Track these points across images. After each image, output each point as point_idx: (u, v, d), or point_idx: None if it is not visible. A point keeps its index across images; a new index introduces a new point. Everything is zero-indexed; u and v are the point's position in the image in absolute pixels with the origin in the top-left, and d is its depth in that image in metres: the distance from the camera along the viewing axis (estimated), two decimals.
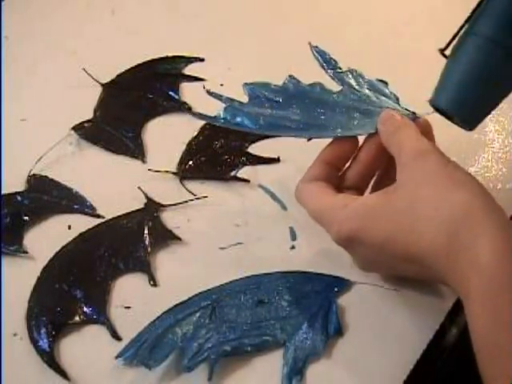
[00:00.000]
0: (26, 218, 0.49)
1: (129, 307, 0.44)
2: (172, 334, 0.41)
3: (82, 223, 0.49)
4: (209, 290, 0.43)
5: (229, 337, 0.41)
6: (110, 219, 0.49)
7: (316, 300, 0.43)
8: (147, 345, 0.40)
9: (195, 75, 0.60)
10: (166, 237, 0.48)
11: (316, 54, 0.49)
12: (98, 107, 0.58)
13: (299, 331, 0.41)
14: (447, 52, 0.39)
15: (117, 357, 0.40)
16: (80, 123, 0.56)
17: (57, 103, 0.59)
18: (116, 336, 0.43)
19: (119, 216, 0.49)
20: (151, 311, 0.42)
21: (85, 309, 0.44)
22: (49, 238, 0.48)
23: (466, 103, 0.38)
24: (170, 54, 0.62)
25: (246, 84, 0.47)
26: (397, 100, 0.45)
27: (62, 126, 0.56)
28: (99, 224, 0.49)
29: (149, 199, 0.50)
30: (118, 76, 0.60)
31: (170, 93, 0.58)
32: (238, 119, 0.45)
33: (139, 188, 0.50)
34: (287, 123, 0.44)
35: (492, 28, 0.37)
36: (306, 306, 0.43)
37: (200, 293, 0.43)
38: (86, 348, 0.42)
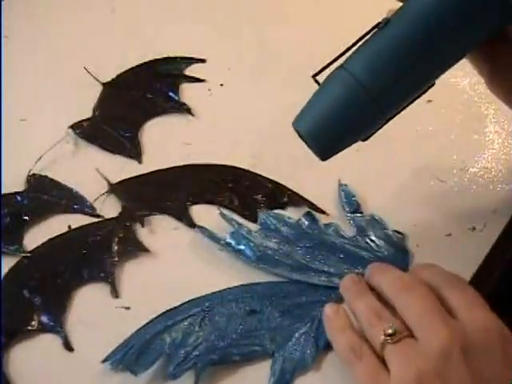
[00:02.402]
0: (26, 217, 0.49)
1: (128, 307, 0.44)
2: (160, 340, 0.41)
3: (81, 223, 0.49)
4: (201, 296, 0.43)
5: (217, 345, 0.41)
6: (82, 226, 0.48)
7: (308, 311, 0.42)
8: (134, 350, 0.40)
9: (195, 75, 0.60)
10: (135, 248, 0.47)
11: (342, 192, 0.49)
12: (97, 106, 0.58)
13: (289, 342, 0.41)
14: (320, 78, 0.38)
15: (103, 361, 0.40)
16: (78, 122, 0.56)
17: (57, 103, 0.59)
18: (68, 347, 0.42)
19: (92, 223, 0.48)
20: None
21: (42, 317, 0.43)
22: (49, 237, 0.48)
23: (320, 135, 0.37)
24: (171, 54, 0.62)
25: (261, 212, 0.48)
26: (407, 256, 0.45)
27: (62, 125, 0.55)
28: (69, 230, 0.48)
29: (123, 206, 0.49)
30: (118, 76, 0.60)
31: (170, 93, 0.58)
32: (241, 246, 0.45)
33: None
34: (287, 261, 0.45)
35: (362, 69, 0.36)
36: (298, 317, 0.42)
37: (192, 299, 0.43)
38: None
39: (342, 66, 0.37)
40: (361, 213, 0.48)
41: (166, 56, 0.62)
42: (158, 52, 0.62)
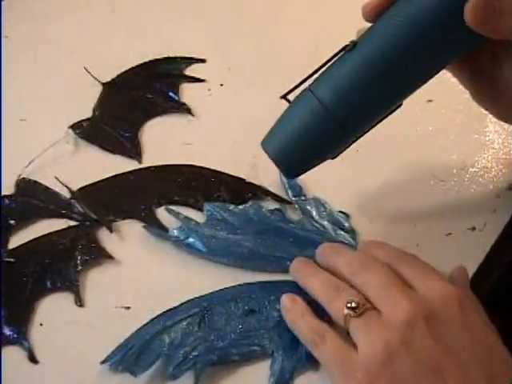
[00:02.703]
0: (12, 222, 0.48)
1: (128, 307, 0.44)
2: (159, 341, 0.41)
3: None
4: (200, 296, 0.43)
5: (216, 345, 0.40)
6: (44, 235, 0.48)
7: None
8: (134, 351, 0.40)
9: (195, 75, 0.60)
10: (98, 255, 0.46)
11: (283, 179, 0.50)
12: (97, 106, 0.58)
13: (288, 342, 0.41)
14: (291, 98, 0.39)
15: (102, 362, 0.40)
16: (78, 122, 0.56)
17: (57, 103, 0.59)
18: (33, 359, 0.41)
19: (53, 232, 0.48)
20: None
21: (4, 329, 0.42)
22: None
23: (286, 156, 0.37)
24: (171, 54, 0.62)
25: (207, 203, 0.48)
26: (354, 235, 0.46)
27: (62, 125, 0.55)
28: (32, 240, 0.47)
29: (84, 214, 0.49)
30: (118, 76, 0.60)
31: (170, 93, 0.58)
32: (190, 240, 0.46)
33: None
34: (238, 249, 0.45)
35: (327, 92, 0.36)
36: None
37: (190, 299, 0.43)
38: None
39: (308, 88, 0.37)
40: (304, 196, 0.48)
41: (165, 56, 0.62)
42: (158, 52, 0.62)
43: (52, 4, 0.69)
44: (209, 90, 0.59)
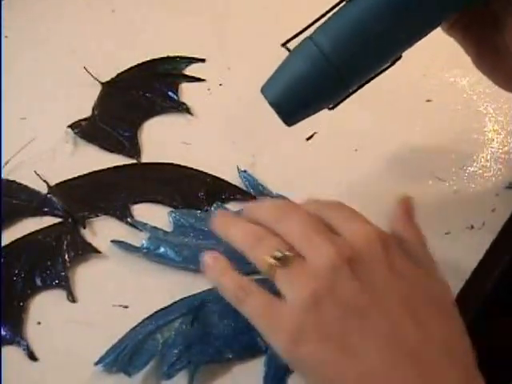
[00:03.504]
0: None
1: (127, 306, 0.44)
2: (153, 341, 0.40)
3: None
4: (192, 295, 0.43)
5: (210, 344, 0.40)
6: (28, 234, 0.48)
7: None
8: (127, 351, 0.40)
9: (195, 75, 0.60)
10: (85, 250, 0.46)
11: (243, 179, 0.50)
12: (96, 106, 0.58)
13: None
14: (291, 46, 0.39)
15: (96, 363, 0.40)
16: (77, 121, 0.56)
17: (57, 102, 0.59)
18: (32, 356, 0.42)
19: (38, 230, 0.48)
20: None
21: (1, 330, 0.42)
22: None
23: (285, 103, 0.38)
24: (170, 54, 0.62)
25: (171, 212, 0.48)
26: None
27: (62, 124, 0.56)
28: (17, 239, 0.47)
29: (66, 212, 0.49)
30: (118, 75, 0.61)
31: (169, 93, 0.58)
32: (162, 249, 0.45)
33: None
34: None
35: (327, 41, 0.36)
36: None
37: (183, 298, 0.43)
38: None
39: (309, 36, 0.37)
40: (267, 194, 0.49)
41: (165, 56, 0.62)
42: (158, 52, 0.62)
43: (52, 4, 0.69)
44: (208, 89, 0.59)
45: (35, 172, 0.51)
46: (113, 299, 0.44)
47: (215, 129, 0.55)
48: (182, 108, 0.57)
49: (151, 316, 0.42)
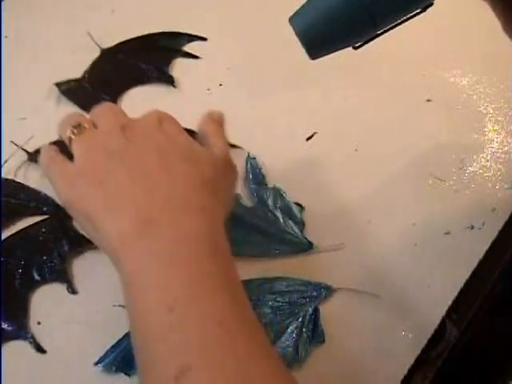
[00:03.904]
0: None
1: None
2: None
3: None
4: None
5: None
6: (21, 230, 0.48)
7: (299, 307, 0.43)
8: (127, 351, 0.40)
9: (195, 73, 0.60)
10: (80, 242, 0.47)
11: (249, 164, 0.51)
12: (89, 68, 0.59)
13: (281, 338, 0.41)
14: None
15: (96, 363, 0.40)
16: (66, 81, 0.58)
17: (57, 102, 0.59)
18: (40, 349, 0.42)
19: (30, 225, 0.48)
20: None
21: (4, 325, 0.43)
22: None
23: (311, 35, 0.38)
24: None
25: None
26: (302, 226, 0.47)
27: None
28: (10, 236, 0.47)
29: (56, 205, 0.49)
30: (118, 44, 0.62)
31: (161, 66, 0.60)
32: None
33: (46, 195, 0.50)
34: None
35: None
36: (289, 313, 0.42)
37: None
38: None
39: None
40: (265, 185, 0.50)
41: (167, 31, 0.64)
42: None
43: (52, 4, 0.69)
44: (208, 89, 0.59)
45: (12, 142, 0.52)
46: (113, 299, 0.44)
47: None
48: (169, 81, 0.58)
49: None
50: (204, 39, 0.63)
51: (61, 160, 0.40)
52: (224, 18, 0.66)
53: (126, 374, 0.40)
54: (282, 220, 0.47)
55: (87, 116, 0.42)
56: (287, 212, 0.48)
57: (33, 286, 0.45)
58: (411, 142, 0.53)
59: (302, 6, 0.39)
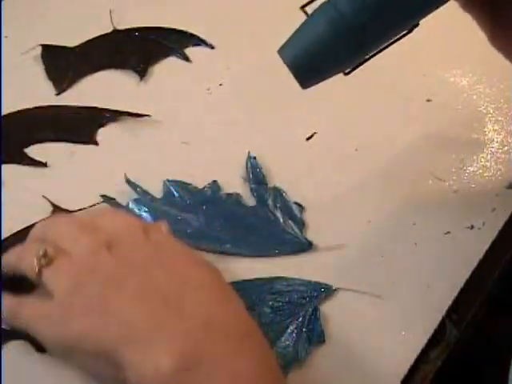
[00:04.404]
0: None
1: None
2: None
3: None
4: None
5: None
6: (15, 233, 0.47)
7: (299, 307, 0.43)
8: None
9: (194, 75, 0.60)
10: None
11: (249, 164, 0.51)
12: (86, 42, 0.62)
13: (281, 338, 0.41)
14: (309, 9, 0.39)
15: None
16: (55, 45, 0.60)
17: (56, 102, 0.59)
18: (40, 349, 0.41)
19: (23, 229, 0.47)
20: None
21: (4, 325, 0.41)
22: None
23: (301, 65, 0.38)
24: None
25: (168, 180, 0.50)
26: (302, 226, 0.47)
27: None
28: (11, 235, 0.47)
29: (55, 206, 0.49)
30: (128, 29, 0.64)
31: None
32: (142, 213, 0.47)
33: (44, 197, 0.50)
34: (185, 228, 0.46)
35: (347, 5, 0.36)
36: (289, 313, 0.42)
37: None
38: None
39: (328, 0, 0.37)
40: (265, 185, 0.50)
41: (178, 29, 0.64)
42: None
43: (52, 4, 0.69)
44: (208, 89, 0.59)
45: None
46: None
47: (215, 129, 0.55)
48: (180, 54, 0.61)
49: None
50: (212, 47, 0.62)
51: (31, 302, 0.36)
52: (224, 18, 0.66)
53: None
54: (282, 220, 0.47)
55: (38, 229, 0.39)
56: (287, 212, 0.48)
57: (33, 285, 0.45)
58: (411, 142, 0.53)
59: (290, 38, 0.39)
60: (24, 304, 0.36)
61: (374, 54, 0.39)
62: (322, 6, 0.38)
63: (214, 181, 0.50)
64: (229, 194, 0.49)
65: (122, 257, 0.35)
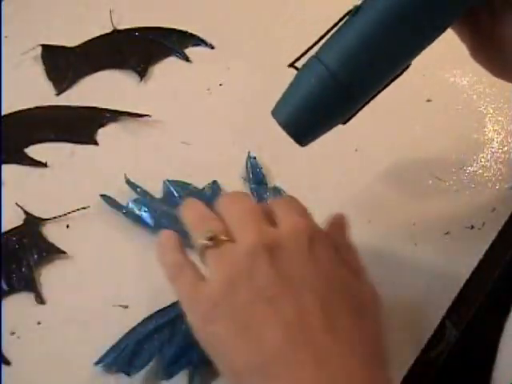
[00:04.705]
0: None
1: (127, 306, 0.44)
2: (153, 341, 0.41)
3: None
4: None
5: None
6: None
7: None
8: (127, 351, 0.40)
9: (194, 74, 0.60)
10: (49, 251, 0.47)
11: (249, 164, 0.51)
12: (85, 42, 0.62)
13: None
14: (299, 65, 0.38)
15: (96, 363, 0.40)
16: (55, 45, 0.61)
17: (56, 102, 0.59)
18: (8, 363, 0.41)
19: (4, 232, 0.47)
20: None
21: None
22: None
23: (295, 124, 0.38)
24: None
25: (168, 180, 0.49)
26: None
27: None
28: None
29: (28, 214, 0.49)
30: (131, 28, 0.64)
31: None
32: (142, 213, 0.47)
33: (17, 204, 0.50)
34: (184, 227, 0.45)
35: (333, 59, 0.36)
36: None
37: None
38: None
39: (315, 55, 0.37)
40: (266, 185, 0.50)
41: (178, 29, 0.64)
42: None
43: (52, 4, 0.69)
44: (208, 89, 0.59)
45: None
46: (113, 299, 0.44)
47: (215, 128, 0.55)
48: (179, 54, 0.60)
49: (151, 316, 0.42)
50: (212, 47, 0.62)
51: (191, 276, 0.35)
52: (224, 18, 0.66)
53: (126, 373, 0.40)
54: None
55: (214, 211, 0.37)
56: None
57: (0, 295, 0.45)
58: (411, 142, 0.53)
59: (281, 98, 0.39)
60: (185, 273, 0.35)
61: (368, 101, 0.38)
62: (308, 61, 0.37)
63: (214, 181, 0.50)
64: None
65: (280, 268, 0.33)
